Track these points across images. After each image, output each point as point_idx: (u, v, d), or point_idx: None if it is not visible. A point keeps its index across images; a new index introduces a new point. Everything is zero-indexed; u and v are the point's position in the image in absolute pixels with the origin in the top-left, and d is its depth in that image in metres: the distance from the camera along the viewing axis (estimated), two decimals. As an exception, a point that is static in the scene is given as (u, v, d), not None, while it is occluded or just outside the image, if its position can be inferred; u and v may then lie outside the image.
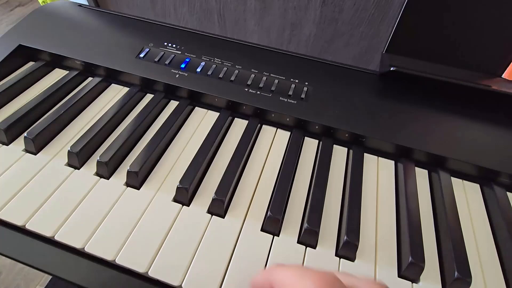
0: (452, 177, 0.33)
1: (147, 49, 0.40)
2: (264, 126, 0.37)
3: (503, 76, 0.36)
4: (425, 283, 0.25)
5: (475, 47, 0.36)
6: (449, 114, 0.35)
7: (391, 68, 0.35)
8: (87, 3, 0.81)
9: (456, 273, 0.24)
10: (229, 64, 0.39)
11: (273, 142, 0.35)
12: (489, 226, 0.29)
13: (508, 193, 0.32)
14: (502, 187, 0.32)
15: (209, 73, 0.38)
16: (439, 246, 0.27)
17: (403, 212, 0.28)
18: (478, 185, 0.33)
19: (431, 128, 0.34)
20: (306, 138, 0.36)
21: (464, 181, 0.33)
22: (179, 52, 0.40)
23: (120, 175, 0.30)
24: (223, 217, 0.28)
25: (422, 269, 0.24)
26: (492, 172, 0.32)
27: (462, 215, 0.30)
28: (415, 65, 0.37)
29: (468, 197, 0.31)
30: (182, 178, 0.29)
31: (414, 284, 0.25)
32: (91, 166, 0.31)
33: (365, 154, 0.34)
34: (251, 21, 0.83)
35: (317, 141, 0.35)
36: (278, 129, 0.36)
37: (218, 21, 0.86)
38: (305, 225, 0.26)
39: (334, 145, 0.35)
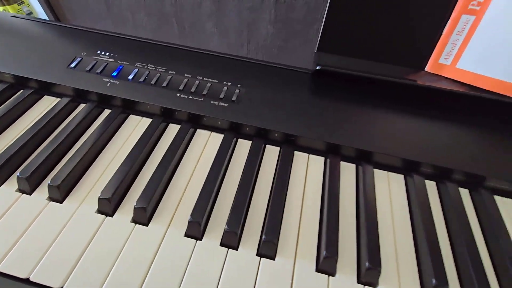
0: (378, 170, 0.34)
1: (79, 58, 0.40)
2: (198, 130, 0.37)
3: (426, 69, 0.37)
4: (341, 276, 0.25)
5: (398, 43, 0.37)
6: (377, 109, 0.36)
7: (317, 67, 0.36)
8: (46, 17, 0.79)
9: (367, 263, 0.25)
10: (162, 70, 0.39)
11: (205, 145, 0.35)
12: (409, 216, 0.30)
13: (430, 182, 0.33)
14: (423, 176, 0.33)
15: (141, 80, 0.38)
16: (358, 237, 0.28)
17: (325, 206, 0.29)
18: (402, 176, 0.34)
19: (359, 124, 0.35)
20: (239, 140, 0.36)
21: (389, 172, 0.34)
22: (112, 60, 0.40)
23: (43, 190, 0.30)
24: (146, 225, 0.28)
25: (336, 261, 0.25)
26: (414, 163, 0.33)
27: (383, 205, 0.31)
28: (343, 62, 0.38)
29: (391, 188, 0.32)
30: (104, 188, 0.28)
31: (330, 277, 0.25)
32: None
33: (295, 152, 0.35)
34: (209, 23, 0.83)
35: (250, 142, 0.36)
36: (213, 133, 0.36)
37: (176, 25, 0.86)
38: (225, 227, 0.26)
39: (267, 145, 0.35)
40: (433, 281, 0.24)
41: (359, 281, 0.25)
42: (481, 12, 0.32)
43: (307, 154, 0.35)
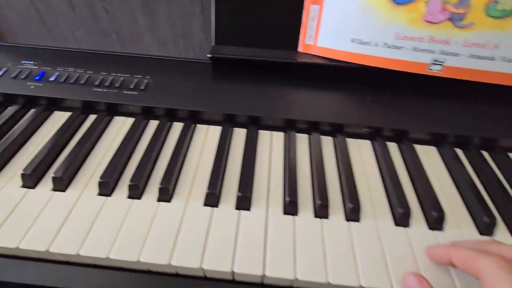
0: (263, 130, 0.42)
1: (5, 69, 0.45)
2: (115, 117, 0.43)
3: (298, 50, 0.46)
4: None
5: (275, 31, 0.46)
6: (265, 85, 0.45)
7: (208, 55, 0.44)
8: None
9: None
10: (81, 71, 0.45)
11: (121, 129, 0.41)
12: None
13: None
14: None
15: (62, 80, 0.44)
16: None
17: (215, 161, 0.37)
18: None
19: (249, 97, 0.43)
20: (150, 121, 0.43)
21: (272, 132, 0.42)
22: (36, 67, 0.45)
23: None
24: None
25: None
26: (292, 121, 0.42)
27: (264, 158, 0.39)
28: (233, 51, 0.46)
29: (272, 144, 0.41)
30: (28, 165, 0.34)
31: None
32: None
33: (197, 125, 0.42)
34: (146, 35, 0.88)
35: (158, 121, 0.43)
36: (128, 118, 0.43)
37: (117, 40, 0.91)
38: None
39: (174, 122, 0.43)
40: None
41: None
42: (322, 2, 0.42)
43: (207, 126, 0.43)
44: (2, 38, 0.88)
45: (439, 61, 0.37)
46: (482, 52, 0.36)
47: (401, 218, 0.32)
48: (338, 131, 0.41)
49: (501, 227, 0.32)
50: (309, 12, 0.43)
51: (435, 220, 0.32)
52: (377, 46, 0.39)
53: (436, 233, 0.31)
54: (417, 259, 0.29)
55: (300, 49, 0.46)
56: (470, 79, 0.38)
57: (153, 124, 0.42)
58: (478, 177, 0.38)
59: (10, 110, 0.42)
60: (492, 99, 0.43)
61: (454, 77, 0.38)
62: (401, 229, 0.32)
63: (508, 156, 0.40)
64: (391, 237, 0.31)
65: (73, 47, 0.87)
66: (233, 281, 0.29)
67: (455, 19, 0.35)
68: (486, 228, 0.31)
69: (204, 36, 0.82)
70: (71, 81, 0.44)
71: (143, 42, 0.87)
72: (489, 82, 0.37)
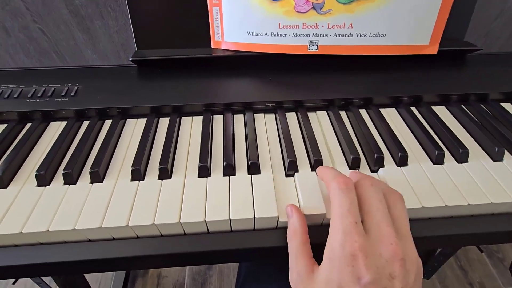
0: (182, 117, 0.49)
1: None
2: (51, 123, 0.48)
3: (212, 46, 0.54)
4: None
5: (188, 31, 0.54)
6: (183, 78, 0.52)
7: (130, 59, 0.51)
8: None
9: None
10: (13, 86, 0.50)
11: (55, 133, 0.47)
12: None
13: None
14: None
15: (-5, 96, 0.48)
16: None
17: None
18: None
19: (172, 90, 0.50)
20: (84, 122, 0.49)
21: (193, 117, 0.50)
22: (-31, 88, 0.49)
23: None
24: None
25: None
26: (209, 105, 0.49)
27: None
28: (152, 53, 0.53)
29: (192, 126, 0.48)
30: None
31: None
32: None
33: (127, 119, 0.49)
34: (87, 51, 0.92)
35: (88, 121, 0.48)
36: (62, 122, 0.48)
37: (57, 58, 0.93)
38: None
39: (106, 120, 0.49)
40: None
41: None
42: (220, 5, 0.50)
43: (136, 119, 0.49)
44: None
45: (314, 42, 0.47)
46: (342, 31, 0.45)
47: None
48: (247, 108, 0.50)
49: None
50: (213, 13, 0.51)
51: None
52: (267, 36, 0.48)
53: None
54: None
55: (212, 45, 0.54)
56: (338, 53, 0.47)
57: (86, 124, 0.48)
58: (354, 130, 0.47)
59: None
60: (361, 67, 0.53)
61: (327, 53, 0.47)
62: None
63: (379, 110, 0.50)
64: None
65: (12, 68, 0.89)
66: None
67: (317, 8, 0.44)
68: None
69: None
70: (4, 97, 0.48)
71: (84, 57, 0.91)
72: (352, 54, 0.47)
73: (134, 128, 0.48)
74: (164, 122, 0.49)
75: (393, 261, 0.26)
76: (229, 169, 0.40)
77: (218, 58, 0.53)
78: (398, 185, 0.38)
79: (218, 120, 0.49)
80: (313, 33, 0.46)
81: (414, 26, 0.45)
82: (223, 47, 0.53)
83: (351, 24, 0.45)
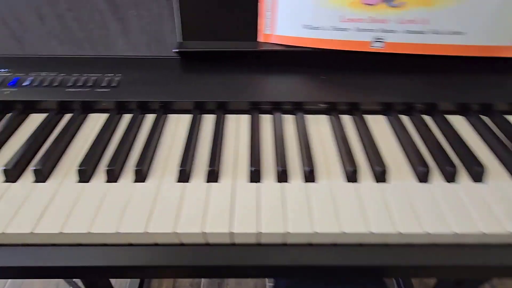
0: (230, 114, 0.46)
1: (-22, 78, 0.47)
2: (91, 115, 0.46)
3: (258, 40, 0.51)
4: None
5: (235, 23, 0.50)
6: (229, 73, 0.49)
7: (173, 50, 0.47)
8: None
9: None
10: (53, 74, 0.48)
11: (96, 125, 0.44)
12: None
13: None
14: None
15: (35, 84, 0.46)
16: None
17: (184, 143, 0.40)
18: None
19: (217, 85, 0.47)
20: (123, 115, 0.46)
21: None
22: (9, 74, 0.48)
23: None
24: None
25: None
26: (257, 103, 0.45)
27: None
28: (196, 44, 0.50)
29: (239, 126, 0.45)
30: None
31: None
32: None
33: (169, 115, 0.46)
34: (119, 42, 0.90)
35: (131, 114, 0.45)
36: (101, 114, 0.46)
37: (89, 47, 0.92)
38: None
39: (146, 114, 0.46)
40: (252, 168, 0.36)
41: (207, 181, 0.36)
42: (274, -7, 0.46)
43: (178, 115, 0.46)
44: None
45: (379, 39, 0.42)
46: (414, 27, 0.41)
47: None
48: (297, 109, 0.46)
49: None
50: (264, 4, 0.47)
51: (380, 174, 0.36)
52: (325, 30, 0.43)
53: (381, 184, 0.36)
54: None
55: (260, 39, 0.50)
56: (407, 52, 0.42)
57: (126, 118, 0.45)
58: (422, 138, 0.42)
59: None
60: (427, 68, 0.48)
61: (394, 52, 0.42)
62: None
63: (445, 118, 0.45)
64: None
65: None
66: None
67: (388, 0, 0.39)
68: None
69: (175, 38, 0.86)
70: (44, 84, 0.46)
71: (115, 47, 0.89)
72: (423, 53, 0.42)
73: (177, 124, 0.44)
74: (207, 120, 0.45)
75: None
76: (283, 176, 0.36)
77: (267, 53, 0.49)
78: (482, 204, 0.33)
79: (265, 120, 0.45)
80: (380, 28, 0.41)
81: (496, 25, 0.40)
82: (272, 41, 0.49)
83: (426, 19, 0.40)
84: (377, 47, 0.43)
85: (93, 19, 0.79)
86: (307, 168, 0.36)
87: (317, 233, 0.31)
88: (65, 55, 0.51)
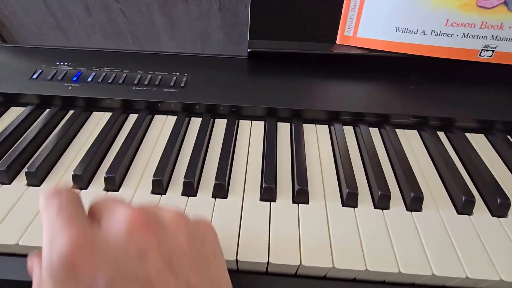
0: (307, 124, 0.41)
1: (40, 70, 0.44)
2: (155, 116, 0.43)
3: (337, 42, 0.46)
4: (280, 200, 0.32)
5: (313, 24, 0.46)
6: (302, 77, 0.44)
7: (248, 50, 0.43)
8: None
9: (297, 186, 0.32)
10: (117, 70, 0.45)
11: (163, 128, 0.41)
12: (332, 155, 0.38)
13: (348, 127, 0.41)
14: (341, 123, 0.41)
15: (99, 80, 0.43)
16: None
17: (265, 155, 0.36)
18: (326, 126, 0.42)
19: (289, 90, 0.43)
20: (192, 118, 0.42)
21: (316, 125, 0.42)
22: (71, 68, 0.45)
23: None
24: (117, 190, 0.33)
25: (274, 190, 0.32)
26: (335, 113, 0.41)
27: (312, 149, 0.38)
28: (271, 45, 0.46)
29: (318, 137, 0.40)
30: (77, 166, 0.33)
31: (272, 203, 0.32)
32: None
33: (240, 120, 0.42)
34: (164, 36, 0.88)
35: (200, 118, 0.42)
36: (168, 116, 0.42)
37: (132, 42, 0.90)
38: (184, 179, 0.32)
39: (216, 119, 0.42)
40: (347, 190, 0.31)
41: (293, 202, 0.32)
42: (363, -8, 0.41)
43: (250, 121, 0.42)
44: (18, 43, 0.88)
45: (490, 47, 0.37)
46: (535, 36, 0.35)
47: (464, 206, 0.31)
48: (384, 121, 0.41)
49: None
50: (350, 2, 0.42)
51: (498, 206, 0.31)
52: (424, 34, 0.38)
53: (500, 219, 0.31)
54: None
55: (338, 41, 0.45)
56: (521, 64, 0.37)
57: (195, 121, 0.42)
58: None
59: (50, 112, 0.41)
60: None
61: (505, 63, 0.37)
62: (464, 217, 0.31)
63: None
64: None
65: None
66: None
67: (510, 3, 0.34)
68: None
69: (222, 34, 0.82)
70: (109, 81, 0.43)
71: (160, 43, 0.87)
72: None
73: (250, 131, 0.41)
74: (282, 128, 0.41)
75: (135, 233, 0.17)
76: (384, 200, 0.31)
77: (347, 57, 0.44)
78: None
79: (348, 132, 0.40)
80: (492, 35, 0.36)
81: None
82: (353, 44, 0.44)
83: (552, 27, 0.34)
84: (485, 57, 0.38)
85: (141, 12, 0.77)
86: (412, 195, 0.31)
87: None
88: (125, 50, 0.48)
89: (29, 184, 0.34)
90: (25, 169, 0.33)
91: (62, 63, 0.46)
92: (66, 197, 0.18)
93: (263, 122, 0.42)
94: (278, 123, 0.42)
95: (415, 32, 0.39)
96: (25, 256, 0.29)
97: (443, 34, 0.37)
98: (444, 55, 0.38)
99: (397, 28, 0.40)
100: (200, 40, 0.84)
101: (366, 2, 0.41)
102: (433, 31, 0.38)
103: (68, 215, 0.17)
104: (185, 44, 0.85)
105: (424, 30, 0.38)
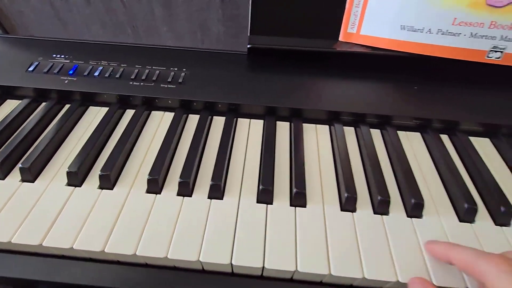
0: (307, 124, 0.40)
1: (36, 63, 0.43)
2: (153, 112, 0.42)
3: (340, 39, 0.44)
4: (276, 203, 0.31)
5: (315, 20, 0.44)
6: (303, 75, 0.43)
7: (248, 46, 0.42)
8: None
9: (295, 189, 0.31)
10: (115, 64, 0.44)
11: (160, 124, 0.40)
12: (332, 156, 0.37)
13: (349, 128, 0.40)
14: (342, 124, 0.40)
15: (96, 74, 0.42)
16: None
17: (263, 155, 0.35)
18: (327, 126, 0.41)
19: (289, 88, 0.41)
20: (189, 115, 0.41)
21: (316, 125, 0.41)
22: (68, 61, 0.44)
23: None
24: (111, 189, 0.32)
25: (272, 192, 0.31)
26: (335, 113, 0.40)
27: (311, 150, 0.37)
28: (271, 41, 0.44)
29: (318, 138, 0.39)
30: (71, 163, 0.33)
31: (268, 205, 0.31)
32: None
33: (238, 118, 0.41)
34: (163, 28, 0.86)
35: (198, 115, 0.41)
36: (166, 112, 0.42)
37: (131, 33, 0.88)
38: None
39: (214, 117, 0.41)
40: (346, 194, 0.31)
41: (291, 205, 0.31)
42: (368, -12, 0.39)
43: (248, 119, 0.41)
44: (16, 35, 0.87)
45: (498, 48, 0.35)
46: (547, 38, 0.34)
47: (466, 213, 0.30)
48: (385, 123, 0.40)
49: None
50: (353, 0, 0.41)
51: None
52: (430, 33, 0.37)
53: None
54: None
55: (341, 38, 0.44)
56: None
57: (192, 118, 0.41)
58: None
59: (46, 106, 0.41)
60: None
61: (513, 65, 0.36)
62: (466, 224, 0.30)
63: None
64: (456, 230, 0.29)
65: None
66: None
67: (521, 2, 0.33)
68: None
69: (222, 27, 0.80)
70: (106, 75, 0.42)
71: (158, 34, 0.85)
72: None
73: (249, 129, 0.40)
74: (282, 127, 0.40)
75: None
76: (384, 206, 0.31)
77: (350, 55, 0.43)
78: None
79: (348, 134, 0.39)
80: (501, 36, 0.35)
81: None
82: (356, 42, 0.43)
83: None
84: (492, 58, 0.36)
85: (140, 2, 0.75)
86: (412, 201, 0.30)
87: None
88: (124, 43, 0.47)
89: (23, 180, 0.33)
90: (19, 165, 0.33)
91: (59, 56, 0.45)
92: None
93: (262, 121, 0.41)
94: (277, 122, 0.41)
95: (421, 30, 0.37)
96: (19, 253, 0.29)
97: (450, 34, 0.36)
98: (450, 55, 0.37)
99: (403, 26, 0.38)
100: (199, 33, 0.83)
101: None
102: (440, 30, 0.36)
103: None
104: (184, 36, 0.83)
105: (430, 29, 0.37)
